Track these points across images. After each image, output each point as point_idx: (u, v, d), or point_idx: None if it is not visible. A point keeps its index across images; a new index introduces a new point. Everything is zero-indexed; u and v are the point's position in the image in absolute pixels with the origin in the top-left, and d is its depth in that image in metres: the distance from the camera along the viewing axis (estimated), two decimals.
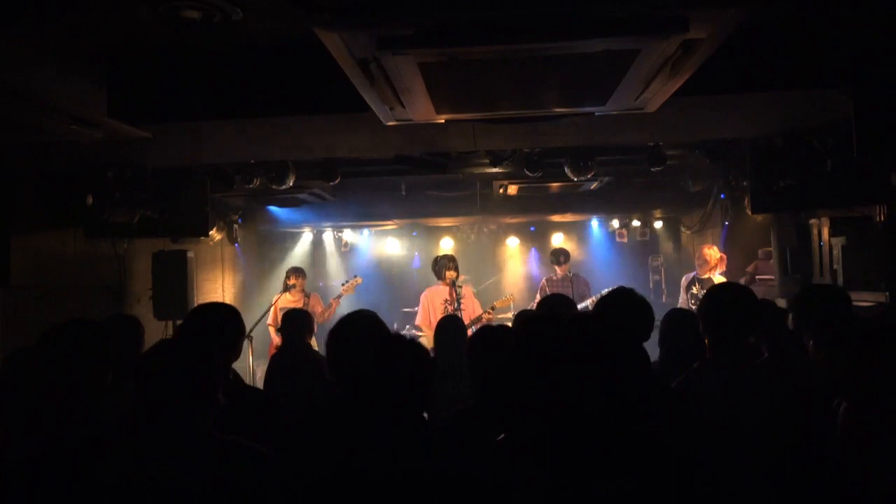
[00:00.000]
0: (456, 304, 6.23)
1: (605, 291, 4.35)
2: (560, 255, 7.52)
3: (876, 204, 4.74)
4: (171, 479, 1.74)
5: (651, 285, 9.33)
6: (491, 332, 2.68)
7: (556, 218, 9.35)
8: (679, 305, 6.30)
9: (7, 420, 2.21)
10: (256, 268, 9.26)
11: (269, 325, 7.12)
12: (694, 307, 5.58)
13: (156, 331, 5.54)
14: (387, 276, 9.93)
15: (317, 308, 7.11)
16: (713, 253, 6.45)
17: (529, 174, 5.62)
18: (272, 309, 7.09)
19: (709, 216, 7.78)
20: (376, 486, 1.84)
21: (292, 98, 3.53)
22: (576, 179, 5.70)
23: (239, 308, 2.79)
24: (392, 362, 2.04)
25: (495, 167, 5.71)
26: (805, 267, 5.24)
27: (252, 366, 6.78)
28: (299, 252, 9.84)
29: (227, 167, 5.76)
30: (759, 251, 6.75)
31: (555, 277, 7.53)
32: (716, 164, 5.66)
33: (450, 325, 4.27)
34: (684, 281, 6.79)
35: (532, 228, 10.16)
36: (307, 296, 7.22)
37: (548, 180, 6.26)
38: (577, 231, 10.01)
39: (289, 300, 7.01)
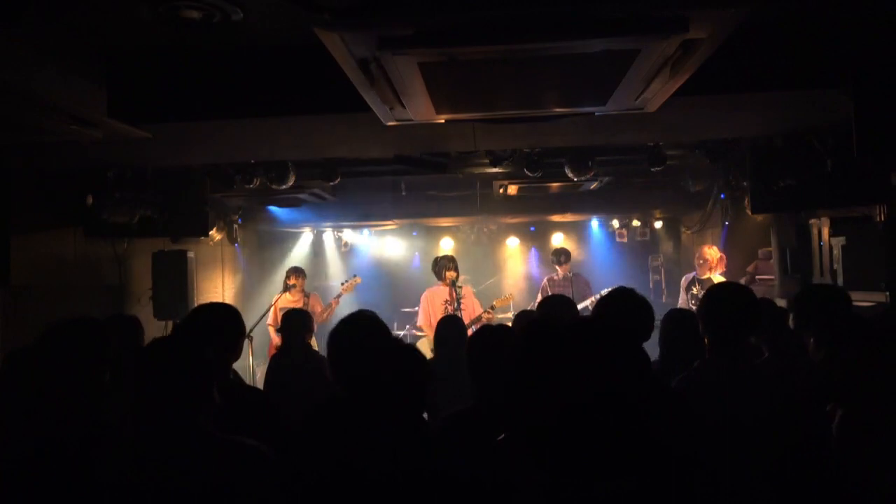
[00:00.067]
0: (456, 305, 6.23)
1: (604, 291, 4.35)
2: (561, 255, 7.53)
3: (876, 204, 4.74)
4: (170, 478, 1.74)
5: (651, 285, 9.33)
6: (491, 332, 2.68)
7: (556, 218, 9.36)
8: (679, 305, 6.30)
9: (7, 420, 2.21)
10: (256, 268, 9.27)
11: (269, 325, 7.11)
12: (694, 307, 5.58)
13: (156, 331, 5.53)
14: (387, 276, 9.93)
15: (316, 308, 7.11)
16: (713, 253, 6.44)
17: (529, 174, 5.62)
18: (272, 309, 7.09)
19: (709, 216, 7.78)
20: (376, 486, 1.84)
21: (292, 98, 3.53)
22: (576, 179, 5.70)
23: (239, 308, 2.79)
24: (390, 364, 2.04)
25: (495, 167, 5.71)
26: (805, 267, 5.24)
27: (252, 366, 6.78)
28: (299, 252, 9.84)
29: (227, 167, 5.76)
30: (759, 251, 6.75)
31: (556, 277, 7.53)
32: (716, 164, 5.66)
33: (450, 326, 4.27)
34: (684, 281, 6.79)
35: (532, 228, 10.16)
36: (307, 296, 7.21)
37: (548, 180, 6.26)
38: (577, 231, 10.01)
39: (289, 300, 7.01)
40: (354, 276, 7.72)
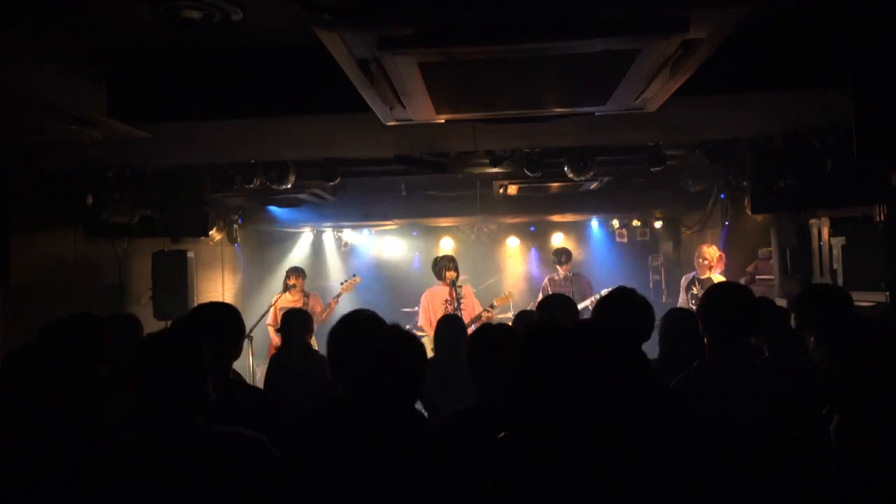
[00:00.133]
0: (456, 304, 6.23)
1: (604, 291, 4.35)
2: (562, 255, 7.53)
3: (876, 204, 4.74)
4: (171, 475, 1.74)
5: (651, 285, 9.33)
6: (491, 332, 2.68)
7: (556, 218, 9.35)
8: (679, 305, 6.30)
9: (7, 419, 2.21)
10: (256, 268, 9.26)
11: (269, 325, 7.11)
12: (694, 307, 5.58)
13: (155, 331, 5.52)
14: (387, 276, 9.93)
15: (316, 308, 7.11)
16: (712, 252, 6.45)
17: (529, 174, 5.62)
18: (272, 309, 7.09)
19: (709, 216, 7.78)
20: (376, 485, 1.84)
21: (293, 98, 3.52)
22: (576, 179, 5.70)
23: (239, 308, 2.79)
24: (390, 363, 2.04)
25: (495, 167, 5.71)
26: (805, 267, 5.25)
27: (252, 366, 6.78)
28: (299, 252, 9.84)
29: (227, 167, 5.76)
30: (759, 251, 6.75)
31: (557, 277, 7.54)
32: (716, 164, 5.66)
33: (449, 325, 4.27)
34: (684, 281, 6.79)
35: (532, 228, 10.16)
36: (307, 296, 7.22)
37: (548, 180, 6.26)
38: (577, 231, 10.01)
39: (288, 300, 7.01)
40: (354, 275, 7.72)
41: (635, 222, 9.28)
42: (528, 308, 5.59)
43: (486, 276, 9.48)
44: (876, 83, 3.18)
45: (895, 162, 4.26)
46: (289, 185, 5.68)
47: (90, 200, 5.17)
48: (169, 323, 5.91)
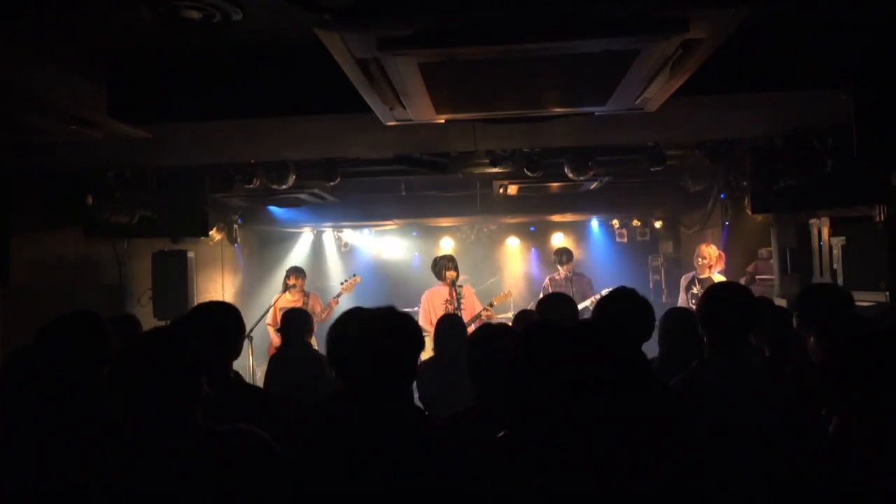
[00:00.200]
0: (456, 304, 6.23)
1: (605, 292, 4.35)
2: (563, 255, 7.53)
3: (876, 204, 4.74)
4: (169, 473, 1.74)
5: (651, 285, 9.33)
6: (491, 332, 2.68)
7: (556, 218, 9.36)
8: (679, 305, 6.31)
9: (7, 419, 2.21)
10: (256, 268, 9.27)
11: (269, 324, 7.12)
12: (694, 307, 5.59)
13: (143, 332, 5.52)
14: (387, 276, 9.93)
15: (316, 308, 7.11)
16: (711, 251, 6.45)
17: (529, 174, 5.62)
18: (272, 309, 7.09)
19: (709, 216, 7.78)
20: (377, 485, 1.84)
21: (292, 98, 3.52)
22: (576, 179, 5.70)
23: (239, 308, 2.79)
24: (389, 363, 2.03)
25: (495, 167, 5.71)
26: (805, 267, 5.25)
27: (252, 366, 6.78)
28: (299, 252, 9.84)
29: (227, 167, 5.76)
30: (759, 251, 6.75)
31: (558, 277, 7.54)
32: (716, 164, 5.66)
33: (449, 324, 4.27)
34: (684, 281, 6.79)
35: (532, 228, 10.16)
36: (307, 295, 7.22)
37: (548, 180, 6.26)
38: (577, 231, 10.01)
39: (288, 300, 7.01)
40: (354, 275, 7.72)
41: (635, 222, 9.28)
42: (528, 308, 5.60)
43: (486, 276, 9.48)
44: (876, 83, 3.18)
45: (895, 162, 4.26)
46: (289, 185, 5.68)
47: (90, 200, 5.17)
48: (168, 323, 5.93)
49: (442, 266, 6.45)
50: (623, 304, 2.84)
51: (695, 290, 6.42)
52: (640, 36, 2.35)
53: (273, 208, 8.09)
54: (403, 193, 7.72)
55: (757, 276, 6.65)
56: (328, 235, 10.16)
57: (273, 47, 3.35)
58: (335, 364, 2.32)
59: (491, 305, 6.59)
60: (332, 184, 5.93)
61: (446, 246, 9.94)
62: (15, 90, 2.96)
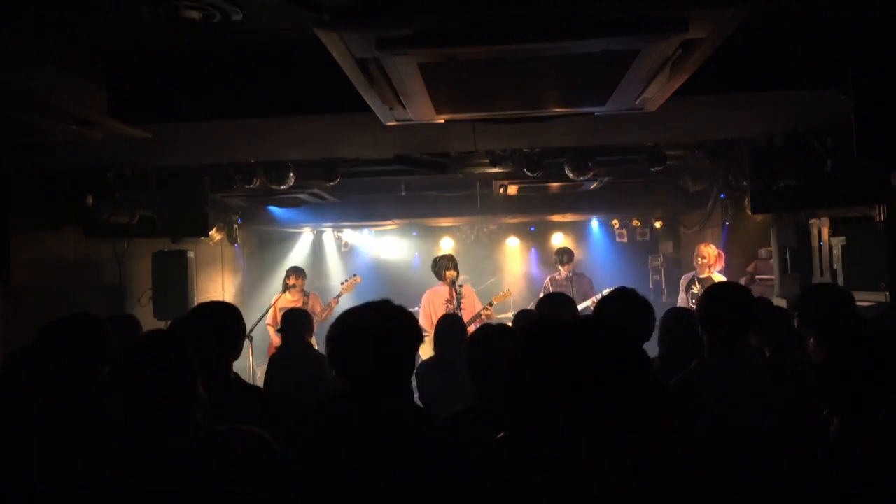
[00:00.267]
0: (456, 304, 6.23)
1: (605, 292, 4.35)
2: (564, 255, 7.53)
3: (876, 204, 4.74)
4: (169, 473, 1.74)
5: (651, 285, 9.33)
6: (491, 332, 2.68)
7: (556, 218, 9.36)
8: (679, 305, 6.31)
9: (7, 419, 2.21)
10: (256, 268, 9.27)
11: (269, 324, 7.12)
12: (694, 306, 5.59)
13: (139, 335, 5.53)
14: (387, 276, 9.93)
15: (316, 308, 7.11)
16: (710, 251, 6.46)
17: (529, 174, 5.62)
18: (272, 309, 7.09)
19: (709, 216, 7.78)
20: (377, 485, 1.84)
21: (292, 98, 3.52)
22: (576, 179, 5.70)
23: (239, 308, 2.79)
24: (388, 362, 2.03)
25: (495, 167, 5.71)
26: (805, 267, 5.25)
27: (252, 366, 6.78)
28: (299, 252, 9.84)
29: (227, 167, 5.76)
30: (759, 251, 6.75)
31: (558, 277, 7.55)
32: (716, 164, 5.66)
33: (449, 324, 4.27)
34: (684, 281, 6.79)
35: (532, 228, 10.16)
36: (307, 295, 7.22)
37: (548, 180, 6.26)
38: (577, 231, 10.01)
39: (288, 300, 7.01)
40: (354, 275, 7.72)
41: (635, 222, 9.28)
42: (528, 307, 5.60)
43: (486, 276, 9.48)
44: (876, 83, 3.18)
45: (895, 162, 4.26)
46: (289, 185, 5.68)
47: (90, 200, 5.17)
48: (169, 323, 5.94)
49: (442, 266, 6.45)
50: (623, 304, 2.85)
51: (695, 290, 6.42)
52: (639, 36, 2.35)
53: (273, 208, 8.09)
54: (403, 193, 7.72)
55: (757, 276, 6.65)
56: (328, 235, 10.16)
57: (273, 47, 3.35)
58: (335, 363, 2.32)
59: (490, 305, 6.59)
60: (331, 184, 5.93)
61: (446, 246, 9.94)
62: (15, 90, 2.96)
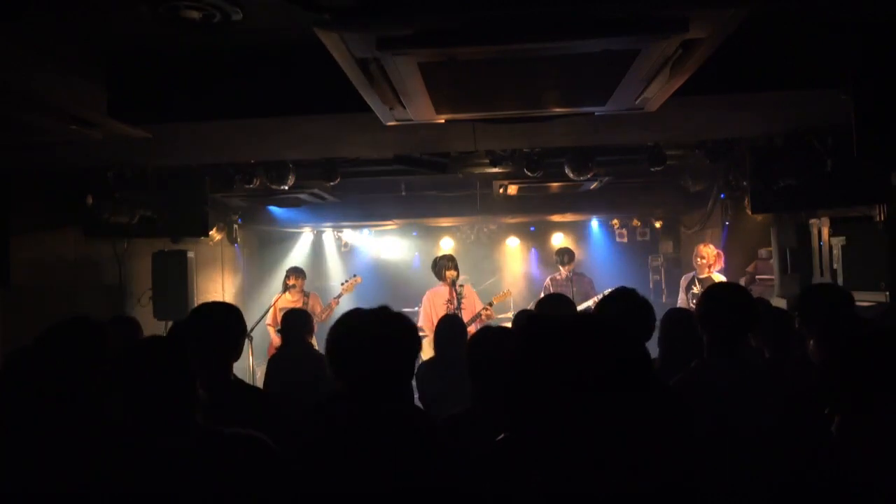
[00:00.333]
0: (456, 304, 6.23)
1: (606, 292, 4.35)
2: (564, 255, 7.53)
3: (876, 204, 4.74)
4: (169, 474, 1.74)
5: (651, 285, 9.33)
6: (492, 333, 2.68)
7: (556, 218, 9.35)
8: (679, 305, 6.31)
9: (7, 420, 2.21)
10: (256, 268, 9.27)
11: (269, 324, 7.12)
12: (694, 307, 5.59)
13: (156, 331, 5.53)
14: (387, 276, 9.93)
15: (316, 308, 7.11)
16: (709, 251, 6.47)
17: (529, 174, 5.62)
18: (272, 309, 7.09)
19: (709, 216, 7.78)
20: (377, 486, 1.84)
21: (292, 98, 3.52)
22: (576, 179, 5.70)
23: (239, 308, 2.79)
24: (388, 362, 2.03)
25: (495, 167, 5.71)
26: (805, 267, 5.25)
27: (252, 366, 6.78)
28: (299, 252, 9.84)
29: (227, 167, 5.76)
30: (759, 251, 6.75)
31: (559, 277, 7.55)
32: (716, 164, 5.66)
33: (449, 325, 4.27)
34: (684, 281, 6.79)
35: (532, 228, 10.16)
36: (307, 296, 7.22)
37: (548, 180, 6.27)
38: (577, 231, 10.01)
39: (288, 300, 7.01)
40: (355, 275, 7.72)
41: (635, 222, 9.28)
42: (528, 308, 5.60)
43: (486, 276, 9.48)
44: (876, 83, 3.18)
45: (895, 162, 4.26)
46: (289, 185, 5.68)
47: (90, 200, 5.17)
48: (169, 323, 5.94)
49: (442, 266, 6.45)
50: (623, 304, 2.85)
51: (695, 290, 6.42)
52: (640, 36, 2.34)
53: (273, 208, 8.09)
54: (403, 193, 7.72)
55: (757, 276, 6.65)
56: (328, 235, 10.16)
57: (273, 47, 3.35)
58: (335, 364, 2.32)
59: (490, 305, 6.58)
60: (331, 184, 5.93)
61: (446, 246, 9.93)
62: (15, 90, 2.96)
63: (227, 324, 2.65)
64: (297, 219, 8.39)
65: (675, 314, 3.48)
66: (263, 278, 9.13)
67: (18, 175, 4.83)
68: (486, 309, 6.45)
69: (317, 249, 10.16)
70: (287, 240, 9.85)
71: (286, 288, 7.14)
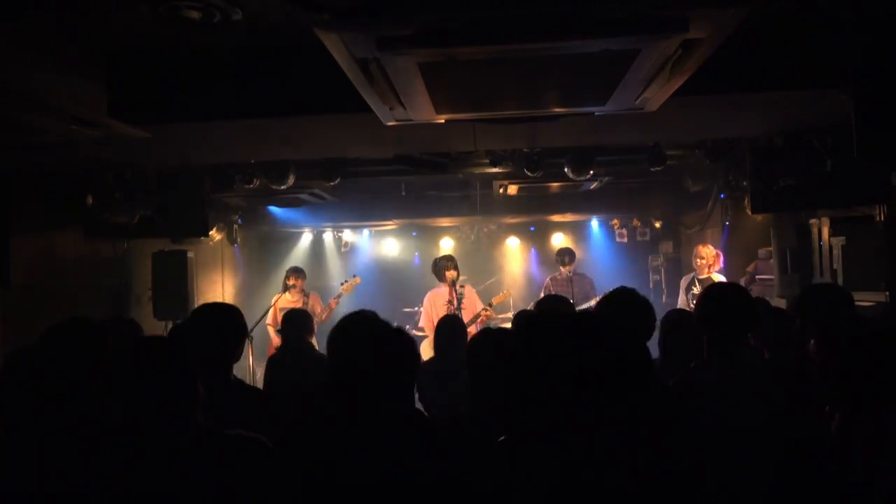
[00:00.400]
0: (457, 305, 6.23)
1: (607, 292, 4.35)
2: (565, 256, 7.53)
3: (876, 204, 4.74)
4: (169, 474, 1.74)
5: (651, 285, 9.33)
6: (492, 334, 2.68)
7: (556, 218, 9.36)
8: (679, 306, 6.31)
9: (7, 420, 2.21)
10: (256, 268, 9.27)
11: (269, 324, 7.12)
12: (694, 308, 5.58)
13: (156, 331, 5.54)
14: (387, 276, 9.93)
15: (316, 308, 7.11)
16: (708, 251, 6.47)
17: (529, 174, 5.62)
18: (272, 309, 7.09)
19: (709, 216, 7.78)
20: (376, 486, 1.84)
21: (292, 98, 3.52)
22: (576, 179, 5.70)
23: (239, 308, 2.79)
24: (388, 363, 2.03)
25: (495, 167, 5.71)
26: (805, 267, 5.25)
27: (252, 366, 6.78)
28: (299, 252, 9.84)
29: (227, 167, 5.76)
30: (759, 251, 6.75)
31: (559, 276, 7.55)
32: (716, 164, 5.67)
33: (449, 325, 4.27)
34: (684, 282, 6.79)
35: (532, 228, 10.16)
36: (306, 296, 7.22)
37: (548, 180, 6.27)
38: (577, 231, 10.01)
39: (288, 300, 7.01)
40: (354, 275, 7.72)
41: (635, 222, 9.28)
42: (528, 308, 5.60)
43: (486, 277, 9.48)
44: (876, 83, 3.18)
45: (895, 162, 4.26)
46: (289, 185, 5.68)
47: (90, 200, 5.17)
48: (169, 323, 5.94)
49: (442, 266, 6.44)
50: (624, 303, 2.84)
51: (695, 291, 6.42)
52: (640, 36, 2.34)
53: (273, 208, 8.09)
54: (403, 193, 7.72)
55: (757, 276, 6.65)
56: (328, 235, 10.16)
57: (273, 47, 3.35)
58: (336, 364, 2.32)
59: (490, 305, 6.58)
60: (332, 184, 5.93)
61: (446, 246, 9.93)
62: (15, 90, 2.96)
63: (227, 324, 2.65)
64: (297, 219, 8.39)
65: (675, 315, 3.48)
66: (263, 278, 9.13)
67: (18, 175, 4.83)
68: (486, 310, 6.45)
69: (317, 249, 10.16)
70: (287, 240, 9.85)
71: (286, 288, 7.14)
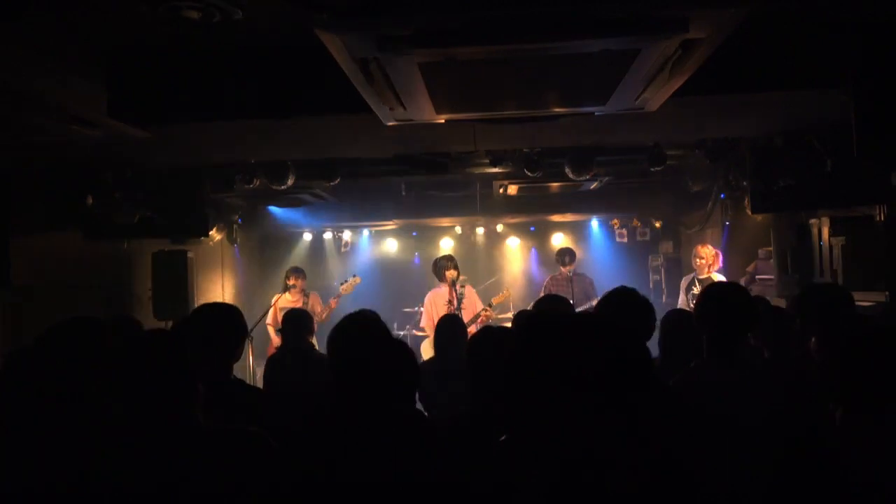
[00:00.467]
0: (457, 305, 6.22)
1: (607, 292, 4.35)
2: (565, 256, 7.53)
3: (876, 204, 4.74)
4: (170, 471, 1.74)
5: (651, 285, 9.32)
6: (492, 334, 2.68)
7: (556, 218, 9.36)
8: (679, 306, 6.30)
9: (7, 420, 2.21)
10: (256, 268, 9.27)
11: (269, 324, 7.12)
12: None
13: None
14: (387, 277, 9.92)
15: (316, 308, 7.11)
16: (708, 251, 6.47)
17: (529, 174, 5.62)
18: (272, 309, 7.09)
19: (709, 216, 7.78)
20: (376, 486, 1.84)
21: (292, 98, 3.52)
22: (576, 179, 5.70)
23: (239, 308, 2.79)
24: (388, 364, 2.04)
25: (495, 167, 5.72)
26: (805, 267, 5.25)
27: (252, 366, 6.78)
28: (299, 252, 9.84)
29: (227, 167, 5.76)
30: (759, 251, 6.75)
31: (559, 276, 7.54)
32: (716, 164, 5.67)
33: (449, 325, 4.27)
34: (684, 282, 6.79)
35: (532, 228, 10.16)
36: (306, 296, 7.22)
37: (548, 180, 6.27)
38: (577, 231, 10.01)
39: (288, 300, 7.01)
40: (354, 275, 7.72)
41: (635, 222, 9.28)
42: (528, 308, 5.59)
43: (486, 276, 9.48)
44: (876, 83, 3.18)
45: (895, 162, 4.26)
46: (289, 185, 5.69)
47: (90, 200, 5.17)
48: (169, 323, 5.94)
49: (442, 266, 6.44)
50: (624, 303, 2.84)
51: (695, 291, 6.42)
52: (640, 36, 2.35)
53: (273, 209, 8.09)
54: (403, 193, 7.72)
55: (757, 276, 6.65)
56: (328, 236, 10.16)
57: (273, 47, 3.35)
58: (336, 364, 2.33)
59: (490, 305, 6.58)
60: (332, 184, 5.93)
61: (446, 246, 9.93)
62: (15, 90, 2.96)
63: (227, 324, 2.65)
64: (297, 219, 8.39)
65: (675, 315, 3.48)
66: (263, 278, 9.13)
67: (18, 175, 4.83)
68: (486, 310, 6.45)
69: (317, 249, 10.16)
70: (287, 240, 9.85)
71: (286, 288, 7.14)
